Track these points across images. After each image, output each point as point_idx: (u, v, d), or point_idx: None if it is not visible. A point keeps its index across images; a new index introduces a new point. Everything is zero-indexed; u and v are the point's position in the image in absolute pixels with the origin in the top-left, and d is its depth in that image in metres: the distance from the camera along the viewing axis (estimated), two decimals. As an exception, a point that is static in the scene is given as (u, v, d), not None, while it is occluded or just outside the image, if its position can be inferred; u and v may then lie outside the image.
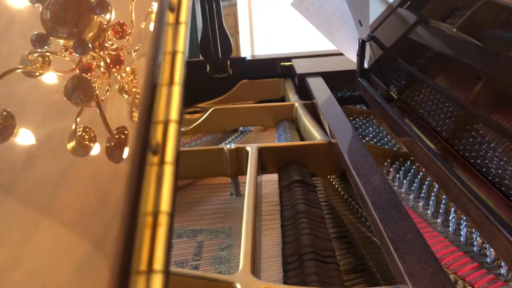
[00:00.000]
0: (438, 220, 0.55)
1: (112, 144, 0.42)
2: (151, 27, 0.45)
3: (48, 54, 0.52)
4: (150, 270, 0.22)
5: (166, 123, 0.27)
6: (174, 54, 0.29)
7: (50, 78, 0.50)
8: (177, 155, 0.25)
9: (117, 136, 0.42)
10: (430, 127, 0.58)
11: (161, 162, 0.26)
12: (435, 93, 0.59)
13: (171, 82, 0.28)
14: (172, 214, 0.24)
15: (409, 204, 0.59)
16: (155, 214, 0.24)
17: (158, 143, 0.28)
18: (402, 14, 0.74)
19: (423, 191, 0.59)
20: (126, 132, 0.42)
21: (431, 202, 0.57)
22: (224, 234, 0.61)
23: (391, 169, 0.66)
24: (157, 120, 0.28)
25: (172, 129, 0.26)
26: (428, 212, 0.57)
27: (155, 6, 0.47)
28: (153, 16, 0.46)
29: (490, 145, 0.45)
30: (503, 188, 0.41)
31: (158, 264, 0.22)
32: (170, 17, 0.32)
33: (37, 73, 0.50)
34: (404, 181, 0.63)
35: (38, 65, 0.53)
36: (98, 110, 0.47)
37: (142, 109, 0.34)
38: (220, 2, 1.08)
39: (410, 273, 0.35)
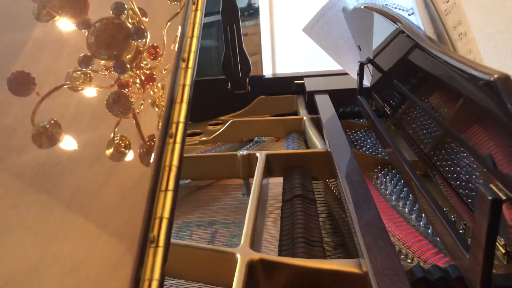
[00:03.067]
0: (413, 216, 0.65)
1: (144, 150, 0.47)
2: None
3: (89, 72, 0.63)
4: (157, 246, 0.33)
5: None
6: (184, 86, 0.41)
7: (91, 92, 0.56)
8: (181, 159, 0.36)
9: (147, 144, 0.48)
10: (414, 140, 0.68)
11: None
12: (418, 112, 0.70)
13: (181, 101, 0.40)
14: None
15: (392, 203, 0.70)
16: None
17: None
18: (395, 45, 0.85)
19: (403, 193, 0.69)
20: (155, 139, 0.47)
21: (408, 202, 0.67)
22: (235, 225, 0.73)
23: (379, 174, 0.77)
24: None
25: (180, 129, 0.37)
26: (406, 210, 0.67)
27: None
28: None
29: (458, 160, 0.55)
30: (462, 193, 0.51)
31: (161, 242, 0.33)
32: (183, 65, 0.44)
33: (80, 88, 0.56)
34: (389, 184, 0.74)
35: (81, 81, 0.64)
36: (134, 121, 0.58)
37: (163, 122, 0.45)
38: (241, 26, 1.21)
39: (366, 245, 0.46)
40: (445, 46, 0.47)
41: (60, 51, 0.63)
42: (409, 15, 0.50)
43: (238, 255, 0.50)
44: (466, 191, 0.49)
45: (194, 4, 0.44)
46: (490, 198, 0.34)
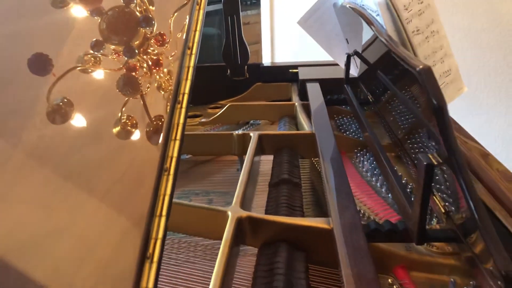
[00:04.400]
0: (383, 189, 0.75)
1: (151, 129, 0.50)
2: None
3: (99, 55, 0.69)
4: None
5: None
6: (188, 67, 0.50)
7: (101, 75, 0.59)
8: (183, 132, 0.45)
9: (155, 123, 0.50)
10: (391, 127, 0.78)
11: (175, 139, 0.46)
12: (395, 102, 0.79)
13: (186, 78, 0.49)
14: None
15: (367, 179, 0.80)
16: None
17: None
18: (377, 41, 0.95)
19: (376, 171, 0.79)
20: (163, 120, 0.50)
21: (380, 177, 0.77)
22: (229, 195, 0.82)
23: (358, 154, 0.87)
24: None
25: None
26: (378, 184, 0.77)
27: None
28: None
29: (422, 143, 0.65)
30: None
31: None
32: (188, 52, 0.53)
33: (90, 70, 0.59)
34: (366, 163, 0.84)
35: (91, 64, 0.70)
36: (141, 102, 0.65)
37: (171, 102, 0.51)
38: (241, 17, 1.30)
39: (335, 207, 0.56)
40: (398, 42, 0.56)
41: (72, 35, 0.67)
42: (376, 15, 0.60)
43: (229, 213, 0.60)
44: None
45: (197, 4, 0.53)
46: (425, 163, 0.44)
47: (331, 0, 1.09)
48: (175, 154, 0.38)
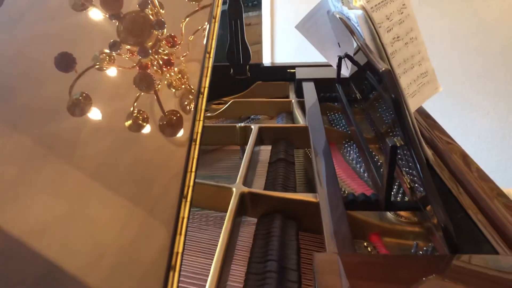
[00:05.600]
0: (365, 174, 0.87)
1: (165, 122, 0.56)
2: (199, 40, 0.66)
3: (113, 54, 0.76)
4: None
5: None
6: (208, 68, 0.61)
7: (113, 72, 0.65)
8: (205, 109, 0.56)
9: (168, 116, 0.56)
10: (375, 122, 0.90)
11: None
12: (380, 100, 0.91)
13: (206, 75, 0.60)
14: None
15: (352, 165, 0.92)
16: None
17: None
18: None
19: (360, 159, 0.92)
20: (178, 115, 0.56)
21: (363, 164, 0.89)
22: (233, 179, 0.94)
23: (346, 145, 1.00)
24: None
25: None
26: (362, 170, 0.89)
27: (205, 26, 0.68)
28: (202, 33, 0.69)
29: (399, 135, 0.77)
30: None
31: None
32: (207, 55, 0.64)
33: (104, 68, 0.65)
34: (352, 152, 0.96)
35: (106, 62, 0.69)
36: (155, 97, 0.74)
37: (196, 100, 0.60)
38: (243, 21, 1.42)
39: (322, 184, 0.68)
40: (371, 49, 0.68)
41: (89, 36, 0.75)
42: (357, 26, 0.71)
43: (234, 189, 0.72)
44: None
45: (214, 18, 0.64)
46: (390, 145, 0.56)
47: (325, 8, 1.21)
48: (199, 136, 0.48)
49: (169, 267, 0.32)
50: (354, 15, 0.69)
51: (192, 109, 0.51)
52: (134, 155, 0.49)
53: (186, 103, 0.59)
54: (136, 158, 0.49)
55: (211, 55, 0.58)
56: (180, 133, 0.51)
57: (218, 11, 0.63)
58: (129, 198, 0.42)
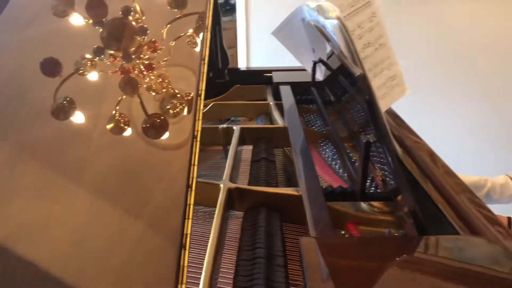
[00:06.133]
0: (340, 171, 0.94)
1: (148, 125, 0.60)
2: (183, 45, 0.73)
3: (95, 59, 0.73)
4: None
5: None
6: (203, 73, 0.67)
7: (94, 76, 0.69)
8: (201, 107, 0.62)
9: (152, 119, 0.61)
10: (348, 122, 0.97)
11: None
12: (352, 102, 0.99)
13: (203, 79, 0.65)
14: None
15: (328, 162, 0.99)
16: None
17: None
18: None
19: (335, 156, 0.99)
20: (162, 118, 0.60)
21: (338, 161, 0.97)
22: (217, 177, 1.00)
23: (322, 144, 1.07)
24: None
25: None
26: (337, 166, 0.96)
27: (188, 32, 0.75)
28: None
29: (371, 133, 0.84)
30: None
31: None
32: (202, 62, 0.69)
33: (86, 73, 0.69)
34: (327, 150, 1.03)
35: (87, 67, 0.74)
36: (139, 100, 0.78)
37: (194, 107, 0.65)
38: (222, 27, 1.48)
39: (302, 179, 0.75)
40: (345, 56, 0.75)
41: (71, 41, 0.78)
42: (333, 34, 0.78)
43: (221, 185, 0.78)
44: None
45: (206, 28, 0.70)
46: (364, 141, 0.63)
47: (300, 16, 1.28)
48: (199, 134, 0.53)
49: (181, 246, 0.38)
50: (330, 25, 0.76)
51: (192, 109, 0.56)
52: (143, 153, 0.54)
53: (168, 106, 0.63)
54: (145, 155, 0.53)
55: (205, 62, 0.63)
56: (180, 132, 0.57)
57: (209, 22, 0.69)
58: (143, 190, 0.47)
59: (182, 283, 0.36)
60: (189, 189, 0.45)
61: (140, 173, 0.51)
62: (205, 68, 0.63)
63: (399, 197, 0.67)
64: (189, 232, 0.40)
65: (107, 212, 0.45)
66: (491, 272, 0.48)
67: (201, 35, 0.69)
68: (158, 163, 0.52)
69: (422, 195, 0.72)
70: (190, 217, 0.42)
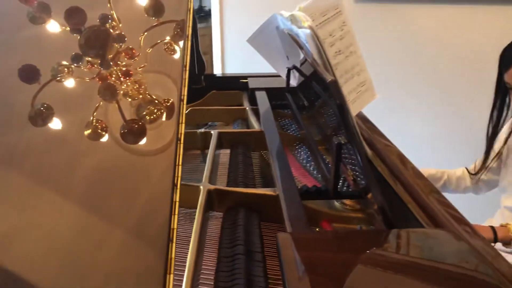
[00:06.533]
0: (315, 172, 0.99)
1: (126, 130, 0.61)
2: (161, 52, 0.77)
3: (72, 66, 0.81)
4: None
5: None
6: (184, 79, 0.70)
7: (71, 83, 0.69)
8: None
9: (129, 124, 0.64)
10: (321, 126, 1.02)
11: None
12: (325, 107, 1.04)
13: (185, 84, 0.68)
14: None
15: (303, 165, 1.03)
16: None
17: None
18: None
19: (310, 158, 1.03)
20: (140, 123, 0.61)
21: (312, 163, 1.01)
22: (196, 180, 1.03)
23: (297, 147, 1.11)
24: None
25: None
26: (311, 168, 1.01)
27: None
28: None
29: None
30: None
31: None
32: (184, 69, 0.73)
33: (63, 80, 0.69)
34: (302, 153, 1.07)
35: (64, 74, 0.83)
36: (117, 106, 0.79)
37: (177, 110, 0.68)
38: (198, 34, 1.51)
39: (278, 179, 0.79)
40: (318, 62, 0.80)
41: (49, 49, 0.78)
42: (306, 43, 0.83)
43: (201, 187, 0.81)
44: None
45: (187, 37, 0.73)
46: (336, 142, 0.68)
47: (274, 24, 1.33)
48: (182, 136, 0.57)
49: (169, 240, 0.41)
50: (303, 33, 0.80)
51: (174, 114, 0.59)
52: (129, 156, 0.56)
53: (145, 112, 0.64)
54: (131, 158, 0.56)
55: (187, 68, 0.66)
56: (163, 135, 0.60)
57: (189, 31, 0.72)
58: (131, 190, 0.50)
59: (170, 273, 0.39)
60: (175, 188, 0.48)
61: (126, 175, 0.53)
62: (186, 75, 0.66)
63: (369, 195, 0.72)
64: (175, 227, 0.43)
65: (97, 212, 0.47)
66: (449, 257, 0.53)
67: (181, 43, 0.72)
68: (144, 165, 0.55)
69: (393, 196, 0.76)
70: (176, 213, 0.45)
